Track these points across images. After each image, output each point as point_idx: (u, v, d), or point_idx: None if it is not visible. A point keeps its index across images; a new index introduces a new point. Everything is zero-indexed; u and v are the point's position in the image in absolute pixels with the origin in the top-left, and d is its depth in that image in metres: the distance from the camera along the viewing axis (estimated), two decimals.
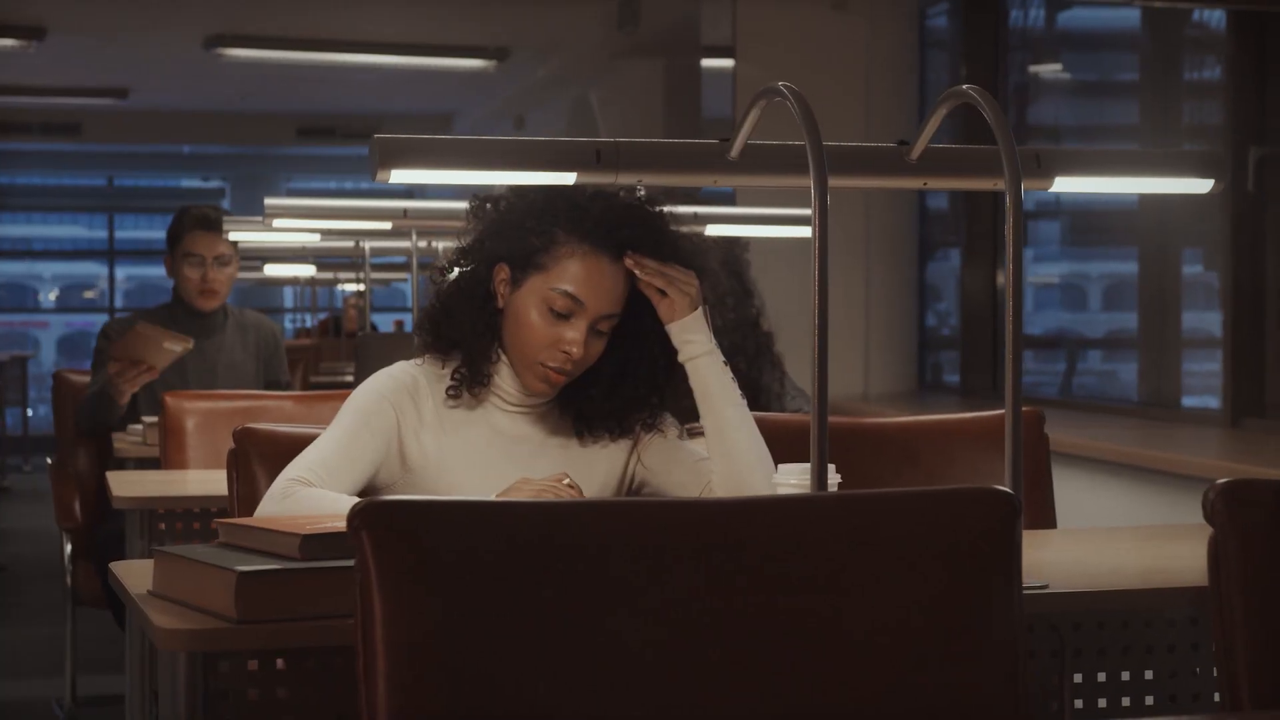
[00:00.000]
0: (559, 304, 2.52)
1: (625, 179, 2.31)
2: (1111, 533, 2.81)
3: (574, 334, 2.52)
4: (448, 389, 2.58)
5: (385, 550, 1.58)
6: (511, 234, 2.56)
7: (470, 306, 2.58)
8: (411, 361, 2.63)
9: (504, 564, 1.59)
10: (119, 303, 16.95)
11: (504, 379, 2.59)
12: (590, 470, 2.61)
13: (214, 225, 5.12)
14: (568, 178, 2.31)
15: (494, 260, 2.58)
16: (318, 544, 2.06)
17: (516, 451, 2.59)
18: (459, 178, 2.32)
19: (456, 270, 2.62)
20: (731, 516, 1.66)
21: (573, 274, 2.52)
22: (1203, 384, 6.02)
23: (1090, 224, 7.20)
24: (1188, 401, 6.01)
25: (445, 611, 1.57)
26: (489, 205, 2.62)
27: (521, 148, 2.32)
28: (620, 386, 2.60)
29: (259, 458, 2.76)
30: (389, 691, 1.56)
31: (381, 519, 1.59)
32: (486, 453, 2.57)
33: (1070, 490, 5.19)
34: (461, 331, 2.58)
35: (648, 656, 1.60)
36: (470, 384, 2.57)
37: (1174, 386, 6.05)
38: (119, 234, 17.35)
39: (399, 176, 2.26)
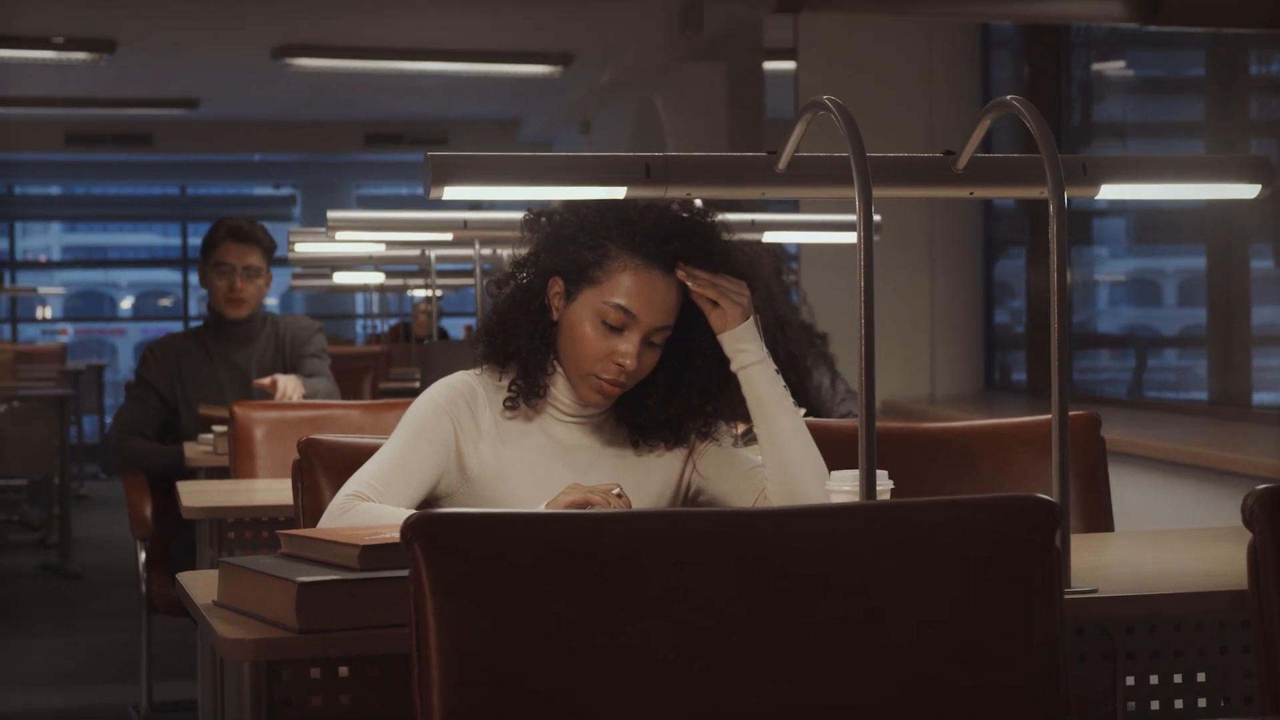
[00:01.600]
0: (612, 317, 2.55)
1: (674, 193, 2.34)
2: (1166, 535, 2.82)
3: (627, 346, 2.55)
4: (505, 400, 2.62)
5: (436, 561, 1.62)
6: (565, 248, 2.60)
7: (525, 319, 2.62)
8: (470, 372, 2.67)
9: (549, 574, 1.63)
10: (193, 309, 17.12)
11: (560, 390, 2.63)
12: (646, 479, 2.65)
13: (245, 236, 5.15)
14: (618, 192, 2.34)
15: (548, 273, 2.61)
16: (376, 555, 2.10)
17: (573, 461, 2.63)
18: (511, 194, 2.36)
19: (512, 283, 2.66)
20: (767, 526, 1.69)
21: (625, 288, 2.55)
22: (1279, 380, 5.99)
23: (1157, 221, 7.17)
24: (1259, 398, 5.98)
25: (494, 620, 1.61)
26: (543, 219, 2.66)
27: (572, 163, 2.36)
28: (675, 396, 2.63)
29: (323, 468, 2.80)
30: (442, 698, 1.60)
31: (432, 531, 1.63)
32: (544, 462, 2.61)
33: (1136, 492, 5.19)
34: (517, 343, 2.62)
35: (689, 665, 1.63)
36: (526, 395, 2.62)
37: (1244, 384, 6.01)
38: (193, 241, 17.52)
39: (452, 193, 2.31)
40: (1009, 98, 2.24)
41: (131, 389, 5.12)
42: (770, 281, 4.45)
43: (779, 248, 4.56)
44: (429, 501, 2.60)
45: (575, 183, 2.35)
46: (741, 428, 2.87)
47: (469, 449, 2.60)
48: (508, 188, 2.34)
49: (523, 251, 2.68)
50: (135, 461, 4.97)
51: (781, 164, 2.34)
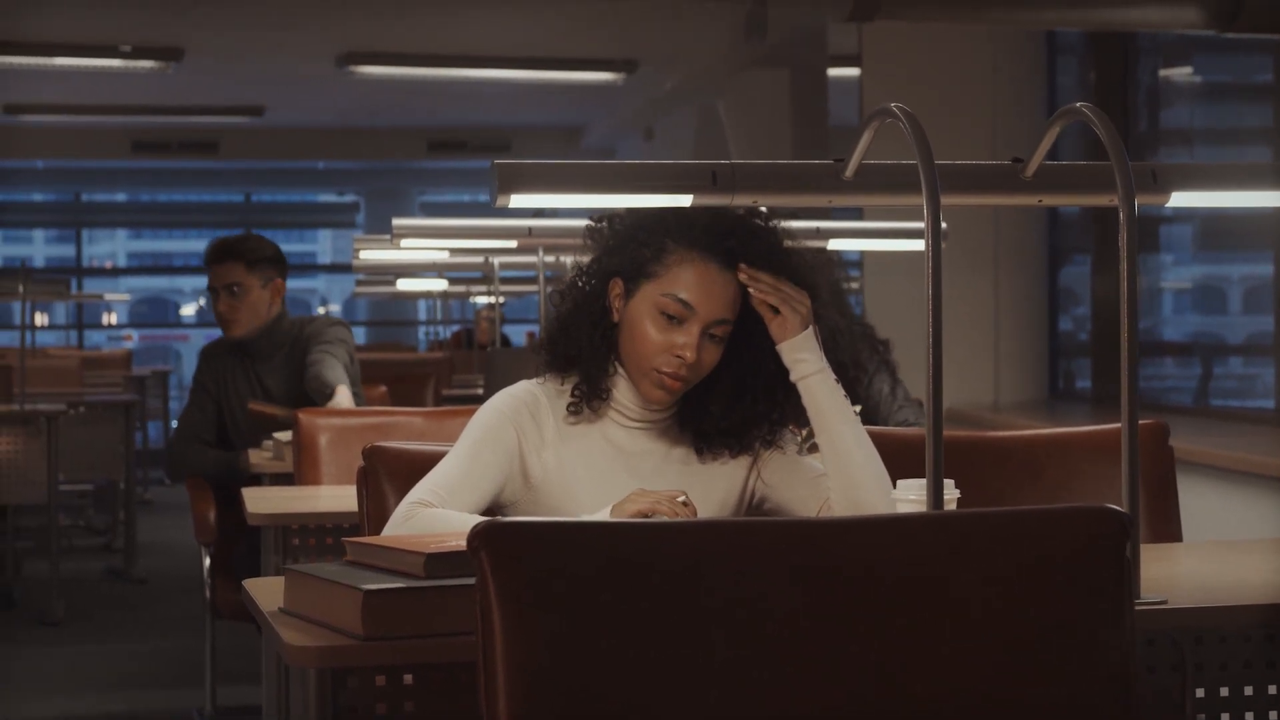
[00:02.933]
0: (671, 309, 2.56)
1: (741, 200, 2.34)
2: (1236, 546, 2.79)
3: (686, 339, 2.55)
4: (568, 406, 2.63)
5: (503, 570, 1.62)
6: (624, 248, 2.61)
7: (587, 321, 2.63)
8: (532, 380, 2.68)
9: (614, 583, 1.63)
10: None
11: (622, 393, 2.63)
12: (710, 487, 2.64)
13: (217, 255, 5.07)
14: (684, 200, 2.34)
15: (609, 276, 2.63)
16: (441, 562, 2.10)
17: (637, 467, 2.62)
18: (576, 201, 2.36)
19: (574, 291, 2.67)
20: (830, 536, 1.68)
21: (684, 280, 2.56)
22: None
23: (1223, 227, 7.11)
24: None
25: (561, 629, 1.61)
26: (604, 225, 2.67)
27: (639, 171, 2.36)
28: (739, 403, 2.63)
29: (388, 475, 2.81)
30: (509, 706, 1.60)
31: (499, 540, 1.63)
32: (608, 469, 2.61)
33: (1203, 501, 5.14)
34: (579, 347, 2.63)
35: (751, 675, 1.62)
36: (589, 399, 2.62)
37: None
38: None
39: (518, 201, 2.31)
40: (1079, 105, 2.23)
41: (191, 394, 5.16)
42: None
43: (834, 254, 4.54)
44: (492, 509, 2.61)
45: (642, 190, 2.35)
46: (804, 431, 2.86)
47: (533, 457, 2.60)
48: (574, 195, 2.34)
49: (585, 259, 2.69)
50: (193, 469, 5.01)
51: (849, 171, 2.33)
